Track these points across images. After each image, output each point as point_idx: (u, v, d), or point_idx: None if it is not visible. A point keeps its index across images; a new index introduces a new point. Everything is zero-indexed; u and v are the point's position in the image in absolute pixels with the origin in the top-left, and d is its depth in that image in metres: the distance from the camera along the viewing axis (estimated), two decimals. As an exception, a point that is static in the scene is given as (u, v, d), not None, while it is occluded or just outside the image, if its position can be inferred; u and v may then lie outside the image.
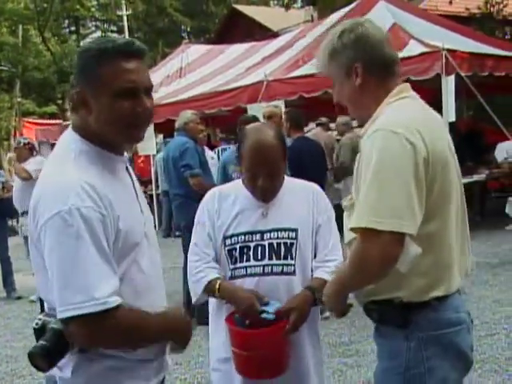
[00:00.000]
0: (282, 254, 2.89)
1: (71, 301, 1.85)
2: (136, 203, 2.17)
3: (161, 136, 15.01)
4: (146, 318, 2.03)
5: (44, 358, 1.90)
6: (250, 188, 2.93)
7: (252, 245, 2.89)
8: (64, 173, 1.95)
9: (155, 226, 9.04)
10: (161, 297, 2.23)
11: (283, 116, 7.22)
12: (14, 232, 10.84)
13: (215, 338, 3.01)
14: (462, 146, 10.39)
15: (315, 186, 3.12)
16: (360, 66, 2.31)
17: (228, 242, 2.91)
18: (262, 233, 2.89)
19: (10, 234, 10.02)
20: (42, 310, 2.05)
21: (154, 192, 14.66)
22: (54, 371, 2.01)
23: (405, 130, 2.12)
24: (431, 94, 11.32)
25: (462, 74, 9.88)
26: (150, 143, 13.24)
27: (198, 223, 3.01)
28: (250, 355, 2.72)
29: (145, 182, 15.63)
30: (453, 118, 9.72)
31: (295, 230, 2.91)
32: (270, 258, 2.88)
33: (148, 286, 2.10)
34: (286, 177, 3.03)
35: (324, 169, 7.67)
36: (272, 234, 2.89)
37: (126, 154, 2.19)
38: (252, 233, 2.90)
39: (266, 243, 2.89)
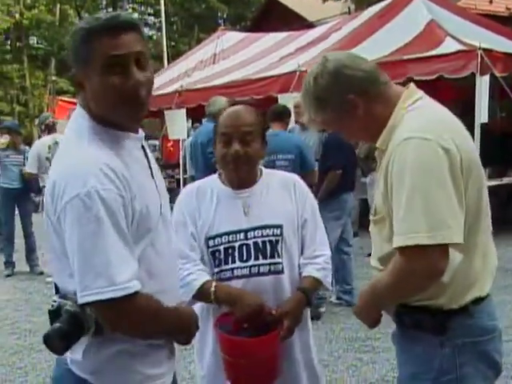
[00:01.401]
0: (269, 252, 2.74)
1: (92, 285, 1.82)
2: (151, 182, 2.10)
3: (189, 121, 15.01)
4: (162, 309, 2.01)
5: (60, 340, 1.88)
6: (222, 159, 2.75)
7: (236, 245, 2.74)
8: (80, 154, 1.91)
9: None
10: (176, 280, 2.22)
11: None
12: (37, 208, 10.92)
13: (202, 343, 2.86)
14: (493, 148, 10.27)
15: (295, 177, 2.96)
16: (354, 96, 2.20)
17: (211, 243, 2.76)
18: (246, 231, 2.74)
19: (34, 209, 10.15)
20: (57, 291, 2.02)
21: (181, 176, 14.67)
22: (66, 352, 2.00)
23: (436, 135, 2.03)
24: (463, 93, 11.23)
25: (497, 75, 9.73)
26: (181, 127, 13.25)
27: (177, 223, 2.77)
28: (244, 363, 2.58)
29: (172, 166, 15.68)
30: (485, 119, 9.58)
31: (280, 227, 2.76)
32: (256, 258, 2.73)
33: (164, 268, 2.06)
34: (264, 169, 2.91)
35: (356, 162, 7.80)
36: (256, 233, 2.75)
37: (141, 131, 2.12)
38: (235, 232, 2.74)
39: (250, 242, 2.74)
